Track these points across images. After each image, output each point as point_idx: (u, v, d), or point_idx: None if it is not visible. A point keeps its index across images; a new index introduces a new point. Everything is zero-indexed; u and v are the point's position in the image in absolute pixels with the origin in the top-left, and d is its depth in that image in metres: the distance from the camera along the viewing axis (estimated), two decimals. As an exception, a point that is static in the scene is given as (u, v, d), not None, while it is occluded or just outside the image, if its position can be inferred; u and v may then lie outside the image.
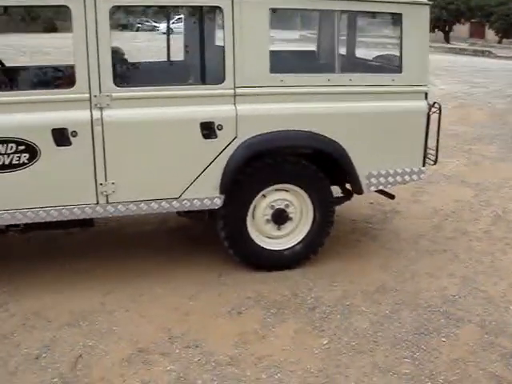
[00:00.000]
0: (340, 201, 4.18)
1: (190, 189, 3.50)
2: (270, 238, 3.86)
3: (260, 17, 3.41)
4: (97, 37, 3.17)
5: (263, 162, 3.64)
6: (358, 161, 3.77)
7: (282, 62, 3.63)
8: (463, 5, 32.75)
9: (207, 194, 3.55)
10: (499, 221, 5.01)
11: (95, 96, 3.24)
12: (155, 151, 3.40)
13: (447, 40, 31.41)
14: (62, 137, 3.21)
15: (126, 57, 4.07)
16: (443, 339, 3.20)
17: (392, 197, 4.28)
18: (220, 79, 3.43)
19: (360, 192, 3.91)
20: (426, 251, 4.36)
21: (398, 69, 3.79)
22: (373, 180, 3.87)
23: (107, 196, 3.39)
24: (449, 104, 10.94)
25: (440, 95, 12.24)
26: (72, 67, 3.26)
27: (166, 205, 3.50)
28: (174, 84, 3.44)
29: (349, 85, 3.67)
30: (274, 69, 3.51)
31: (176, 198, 3.50)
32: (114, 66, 3.26)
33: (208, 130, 3.43)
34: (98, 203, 3.39)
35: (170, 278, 3.76)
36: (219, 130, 3.45)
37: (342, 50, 4.15)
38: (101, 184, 3.35)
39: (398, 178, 3.94)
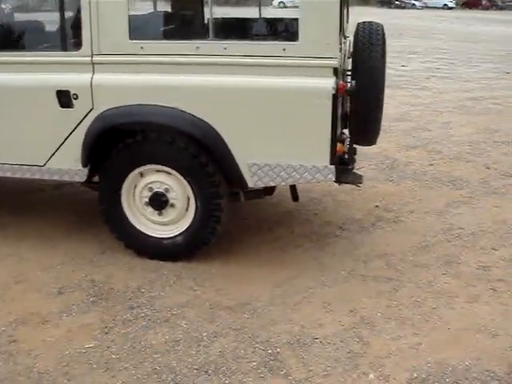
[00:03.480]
0: (253, 195, 3.51)
1: (52, 158, 3.41)
2: (153, 222, 3.51)
3: (116, -24, 3.04)
4: None
5: (133, 139, 3.30)
6: (237, 147, 3.11)
7: (145, 28, 3.18)
8: None
9: (69, 166, 3.40)
10: (526, 258, 3.52)
11: None
12: (15, 117, 3.39)
13: None
14: None
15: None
16: None
17: (295, 199, 3.38)
18: (77, 46, 3.20)
19: (243, 185, 3.22)
20: (360, 275, 3.36)
21: (294, 36, 2.93)
22: (259, 173, 3.14)
23: None
24: None
25: None
26: None
27: (31, 172, 3.48)
28: (32, 50, 3.36)
29: (223, 55, 3.01)
30: (134, 35, 3.10)
31: (40, 166, 3.46)
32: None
33: (65, 98, 3.26)
34: None
35: (55, 244, 3.72)
36: (75, 99, 3.25)
37: (220, 13, 3.38)
38: None
39: (295, 175, 3.10)
